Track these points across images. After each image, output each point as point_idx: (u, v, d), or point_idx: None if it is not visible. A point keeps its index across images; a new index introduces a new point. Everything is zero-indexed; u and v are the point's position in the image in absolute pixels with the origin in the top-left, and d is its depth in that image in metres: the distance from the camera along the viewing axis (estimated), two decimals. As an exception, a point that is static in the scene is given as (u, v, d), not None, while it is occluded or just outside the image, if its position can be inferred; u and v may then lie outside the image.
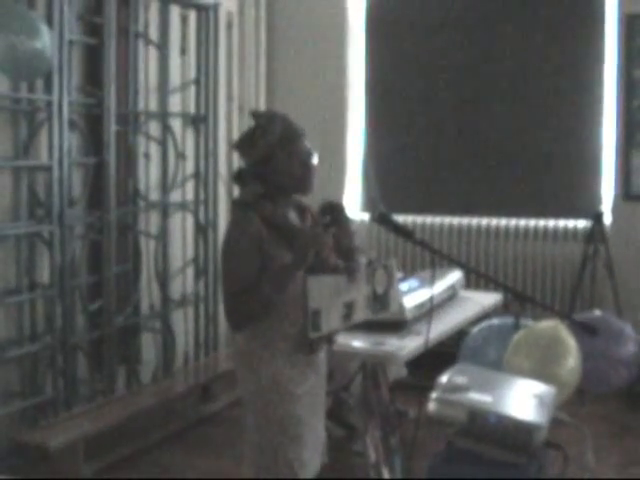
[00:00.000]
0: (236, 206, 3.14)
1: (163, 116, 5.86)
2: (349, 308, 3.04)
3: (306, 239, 2.97)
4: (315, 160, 3.11)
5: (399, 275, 5.15)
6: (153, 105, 5.82)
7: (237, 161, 6.17)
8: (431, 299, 4.00)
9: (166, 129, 5.88)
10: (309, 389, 3.11)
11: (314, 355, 3.12)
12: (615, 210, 6.34)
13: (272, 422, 3.03)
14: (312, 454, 3.12)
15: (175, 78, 6.04)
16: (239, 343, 3.10)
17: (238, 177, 3.14)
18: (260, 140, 3.03)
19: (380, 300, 3.14)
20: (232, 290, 2.97)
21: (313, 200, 3.31)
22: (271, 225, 3.00)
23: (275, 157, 3.02)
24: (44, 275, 5.01)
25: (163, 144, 5.88)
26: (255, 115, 3.14)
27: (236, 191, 3.21)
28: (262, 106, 7.08)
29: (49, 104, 4.85)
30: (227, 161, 6.62)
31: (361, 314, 3.09)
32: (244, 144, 3.10)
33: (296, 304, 2.97)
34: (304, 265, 2.95)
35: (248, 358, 3.06)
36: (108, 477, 4.76)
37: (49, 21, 4.71)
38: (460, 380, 3.17)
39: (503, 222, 6.60)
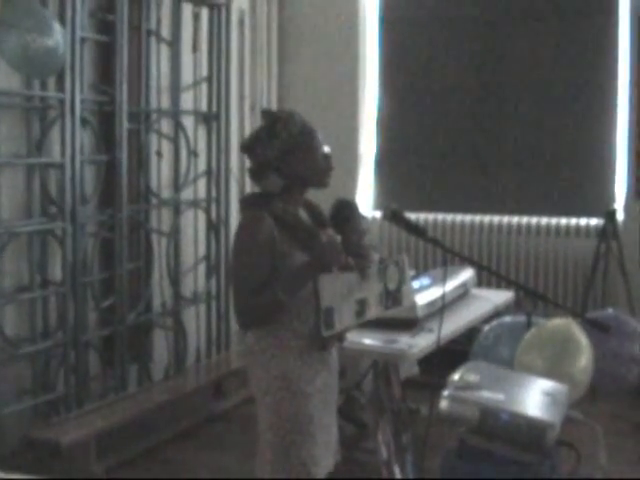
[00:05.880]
0: (245, 205, 3.13)
1: (175, 114, 5.86)
2: (362, 305, 3.03)
3: (326, 253, 2.95)
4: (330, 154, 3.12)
5: (411, 273, 5.15)
6: (165, 103, 5.83)
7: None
8: (443, 297, 3.99)
9: (178, 127, 5.89)
10: (321, 387, 3.10)
11: (326, 352, 3.11)
12: (628, 208, 6.31)
13: (284, 420, 3.02)
14: (325, 452, 3.11)
15: (187, 76, 6.04)
16: (250, 341, 3.10)
17: (254, 173, 3.09)
18: (283, 132, 3.01)
19: (392, 296, 3.13)
20: (243, 290, 2.96)
21: (325, 198, 3.30)
22: (282, 223, 2.98)
23: (299, 148, 3.02)
24: (56, 272, 5.03)
25: (175, 142, 5.88)
26: (267, 113, 3.12)
27: (248, 189, 3.17)
28: (274, 103, 7.08)
29: (61, 102, 4.86)
30: (239, 159, 6.62)
31: (374, 311, 3.09)
32: (259, 140, 3.04)
33: (307, 302, 2.97)
34: (319, 273, 2.94)
35: (259, 356, 3.06)
36: (120, 473, 4.78)
37: (61, 18, 4.72)
38: (472, 378, 3.16)
39: (515, 220, 6.58)
